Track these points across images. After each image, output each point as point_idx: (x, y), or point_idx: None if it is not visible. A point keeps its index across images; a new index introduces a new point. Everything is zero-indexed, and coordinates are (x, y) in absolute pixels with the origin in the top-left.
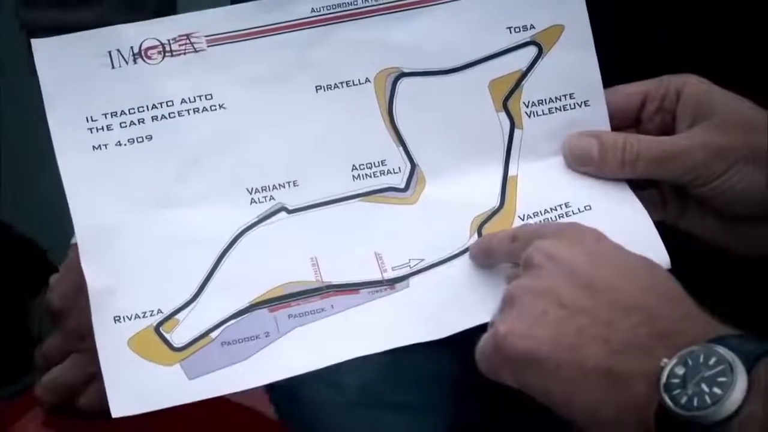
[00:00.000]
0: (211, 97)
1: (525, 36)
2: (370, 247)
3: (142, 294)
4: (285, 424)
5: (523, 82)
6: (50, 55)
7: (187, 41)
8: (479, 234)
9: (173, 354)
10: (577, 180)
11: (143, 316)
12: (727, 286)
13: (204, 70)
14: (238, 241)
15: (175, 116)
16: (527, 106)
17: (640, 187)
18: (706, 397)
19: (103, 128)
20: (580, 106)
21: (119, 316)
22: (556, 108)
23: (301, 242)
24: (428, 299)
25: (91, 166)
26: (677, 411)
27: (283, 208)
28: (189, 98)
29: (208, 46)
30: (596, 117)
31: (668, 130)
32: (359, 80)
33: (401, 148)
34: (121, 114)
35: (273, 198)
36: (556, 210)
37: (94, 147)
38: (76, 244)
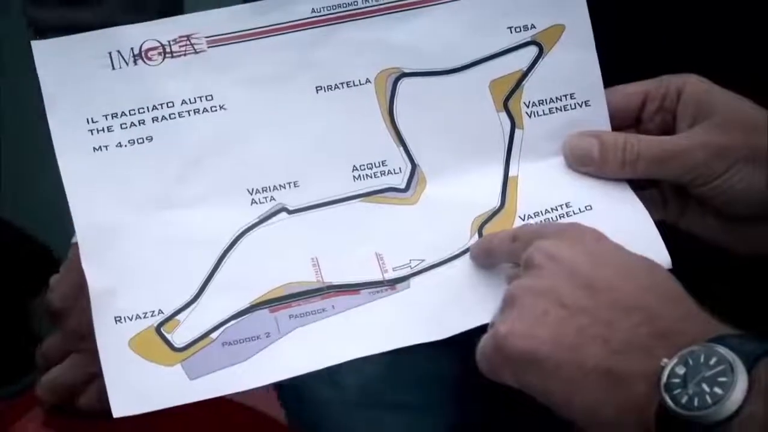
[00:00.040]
0: (212, 98)
1: (525, 36)
2: (371, 248)
3: (142, 294)
4: (292, 423)
5: (524, 82)
6: (50, 57)
7: (188, 42)
8: (480, 234)
9: (174, 354)
10: (577, 180)
11: (144, 317)
12: (727, 286)
13: (204, 71)
14: (239, 241)
15: (175, 117)
16: (528, 106)
17: (641, 187)
18: (707, 397)
19: (103, 129)
20: (580, 106)
21: (120, 317)
22: (556, 108)
23: (302, 243)
24: (429, 300)
25: (91, 167)
26: (678, 411)
27: (283, 209)
28: (189, 99)
29: (209, 47)
30: (597, 117)
31: (669, 129)
32: (360, 80)
33: (402, 148)
34: (121, 115)
35: (273, 198)
36: (557, 210)
37: (94, 148)
38: (76, 243)
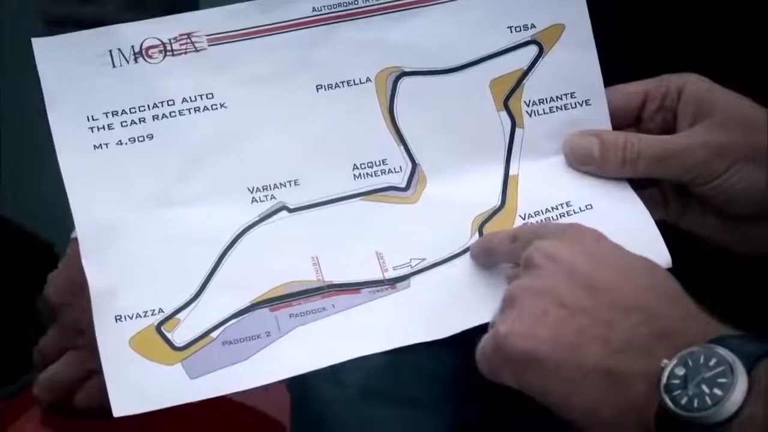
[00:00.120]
0: (212, 96)
1: (526, 35)
2: (371, 247)
3: (143, 293)
4: (297, 421)
5: (524, 81)
6: (51, 54)
7: (188, 40)
8: (480, 233)
9: (174, 353)
10: (578, 179)
11: (144, 316)
12: (727, 286)
13: (205, 70)
14: (239, 240)
15: (176, 115)
16: (528, 105)
17: (641, 186)
18: (707, 398)
19: (104, 127)
20: (581, 105)
21: (120, 316)
22: (557, 107)
23: (302, 241)
24: (429, 299)
25: (92, 165)
26: (677, 412)
27: (284, 207)
28: (190, 97)
29: (209, 46)
30: (597, 116)
31: (669, 129)
32: (360, 80)
33: (402, 147)
34: (122, 113)
35: (274, 197)
36: (558, 209)
37: (95, 146)
38: (75, 239)
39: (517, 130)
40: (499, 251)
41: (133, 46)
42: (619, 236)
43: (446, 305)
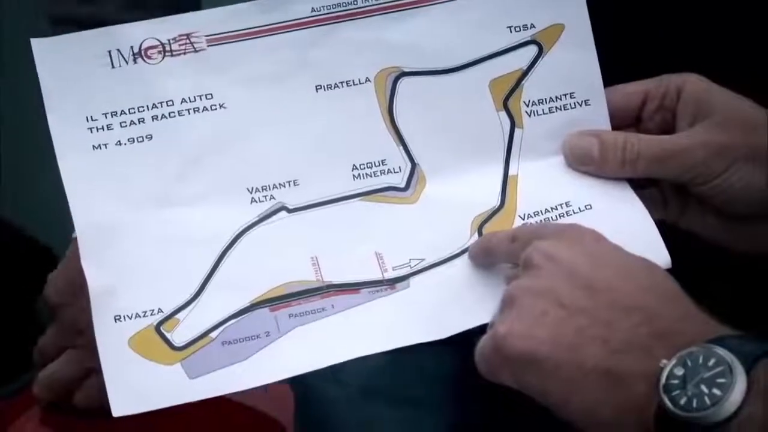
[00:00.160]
0: (212, 97)
1: (525, 35)
2: (371, 247)
3: (142, 293)
4: (300, 421)
5: (524, 82)
6: (50, 55)
7: (187, 41)
8: (480, 234)
9: (174, 353)
10: (577, 179)
11: (144, 316)
12: (727, 285)
13: (204, 70)
14: (239, 240)
15: (175, 116)
16: (527, 106)
17: (641, 186)
18: (706, 398)
19: (103, 128)
20: (580, 106)
21: (120, 316)
22: (556, 107)
23: (302, 242)
24: (429, 299)
25: (91, 165)
26: (676, 412)
27: (283, 208)
28: (189, 98)
29: (208, 46)
30: (597, 116)
31: (668, 129)
32: (359, 80)
33: (401, 147)
34: (121, 113)
35: (273, 197)
36: (557, 209)
37: (94, 146)
38: (75, 239)
39: (517, 131)
40: (499, 251)
41: (132, 47)
42: (619, 236)
43: (446, 305)
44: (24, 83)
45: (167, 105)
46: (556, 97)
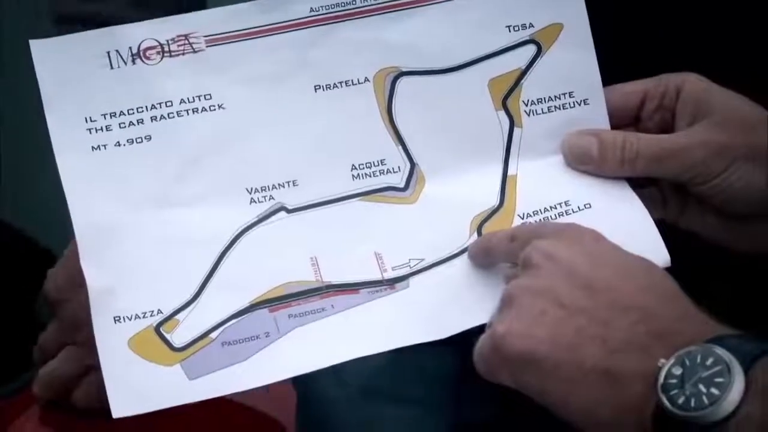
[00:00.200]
0: (210, 97)
1: (524, 35)
2: (370, 247)
3: (142, 294)
4: (302, 422)
5: (523, 81)
6: (49, 56)
7: (186, 41)
8: (479, 233)
9: (173, 354)
10: (576, 178)
11: (143, 317)
12: (726, 285)
13: (203, 71)
14: (238, 241)
15: (174, 116)
16: (527, 105)
17: (640, 185)
18: (704, 398)
19: (102, 129)
20: (579, 105)
21: (119, 317)
22: (555, 107)
23: (301, 242)
24: (428, 299)
25: (90, 166)
26: (674, 411)
27: (282, 208)
28: (188, 98)
29: (207, 47)
30: (596, 115)
31: (668, 128)
32: (358, 80)
33: (401, 147)
34: (120, 114)
35: (272, 198)
36: (556, 208)
37: (93, 147)
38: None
39: (516, 130)
40: (498, 251)
41: (131, 48)
42: (618, 235)
43: (445, 305)
44: (24, 83)
45: (166, 106)
46: (555, 97)
